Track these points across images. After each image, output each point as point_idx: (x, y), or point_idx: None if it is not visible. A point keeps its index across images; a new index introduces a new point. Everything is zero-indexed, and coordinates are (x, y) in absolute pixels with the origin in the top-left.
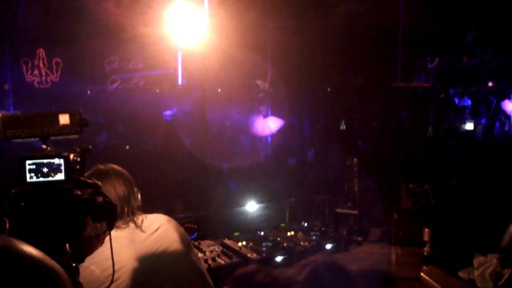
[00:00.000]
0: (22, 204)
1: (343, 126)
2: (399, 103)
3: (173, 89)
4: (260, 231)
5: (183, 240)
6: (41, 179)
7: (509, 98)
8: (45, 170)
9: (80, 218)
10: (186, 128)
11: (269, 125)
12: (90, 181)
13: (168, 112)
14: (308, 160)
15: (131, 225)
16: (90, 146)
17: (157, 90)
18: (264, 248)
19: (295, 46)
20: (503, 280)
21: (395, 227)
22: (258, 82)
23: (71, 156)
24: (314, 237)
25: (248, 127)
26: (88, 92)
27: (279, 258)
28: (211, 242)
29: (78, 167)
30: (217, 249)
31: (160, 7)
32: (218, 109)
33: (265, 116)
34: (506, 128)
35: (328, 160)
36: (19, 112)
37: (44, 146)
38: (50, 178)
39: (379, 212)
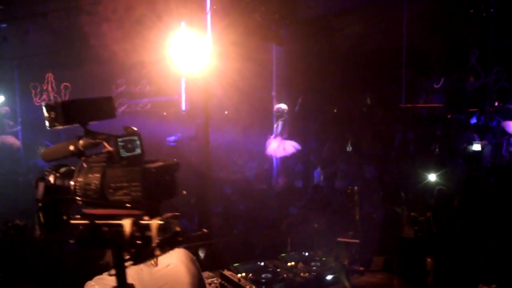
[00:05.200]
0: None
1: (349, 148)
2: (405, 124)
3: (177, 114)
4: (260, 261)
5: (193, 284)
6: None
7: None
8: None
9: None
10: (190, 153)
11: (286, 147)
12: None
13: (171, 138)
14: (313, 182)
15: None
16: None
17: (164, 113)
18: (263, 280)
19: (301, 69)
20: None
21: (397, 256)
22: (282, 106)
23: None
24: (314, 268)
25: (254, 149)
26: None
27: None
28: (210, 273)
29: None
30: (215, 281)
31: (163, 34)
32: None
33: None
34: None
35: (335, 184)
36: None
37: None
38: None
39: (381, 240)
